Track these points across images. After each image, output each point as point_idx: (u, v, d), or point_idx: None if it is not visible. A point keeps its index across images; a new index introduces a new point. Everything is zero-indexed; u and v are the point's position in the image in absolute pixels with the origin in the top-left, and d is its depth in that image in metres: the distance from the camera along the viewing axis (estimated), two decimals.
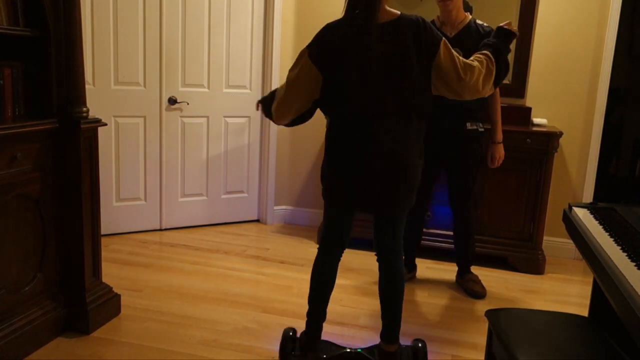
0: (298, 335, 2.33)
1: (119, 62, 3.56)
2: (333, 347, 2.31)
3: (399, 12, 2.03)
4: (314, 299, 2.27)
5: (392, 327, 2.22)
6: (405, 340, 2.34)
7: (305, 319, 2.31)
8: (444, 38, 2.02)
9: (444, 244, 3.55)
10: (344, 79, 2.00)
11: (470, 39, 2.87)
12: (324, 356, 2.24)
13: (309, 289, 2.29)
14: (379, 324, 2.66)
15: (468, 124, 2.94)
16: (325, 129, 2.19)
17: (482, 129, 2.99)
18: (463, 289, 3.16)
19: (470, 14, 3.01)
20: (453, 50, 2.04)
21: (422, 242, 3.40)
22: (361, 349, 2.28)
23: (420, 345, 2.26)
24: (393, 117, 2.00)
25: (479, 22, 2.95)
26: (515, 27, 2.24)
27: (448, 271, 3.39)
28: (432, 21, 2.98)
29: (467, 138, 2.97)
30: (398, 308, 2.21)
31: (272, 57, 3.97)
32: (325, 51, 2.01)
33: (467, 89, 2.06)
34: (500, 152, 3.06)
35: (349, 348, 2.30)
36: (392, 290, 2.21)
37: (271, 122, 4.01)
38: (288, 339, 2.27)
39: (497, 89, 2.97)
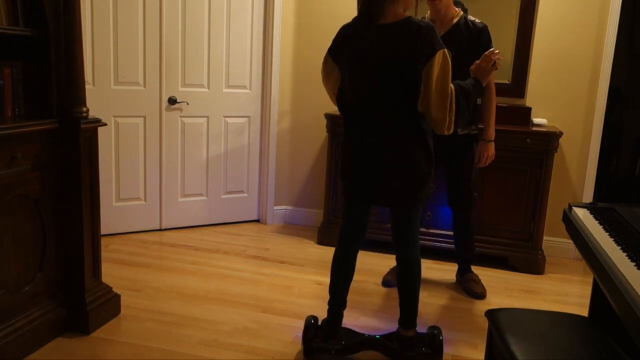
0: (320, 322, 2.41)
1: (119, 62, 3.56)
2: (352, 334, 2.39)
3: (407, 16, 2.08)
4: (333, 287, 2.39)
5: (408, 312, 2.32)
6: (420, 329, 2.42)
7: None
8: (442, 51, 2.00)
9: (443, 244, 3.55)
10: (344, 77, 2.19)
11: (460, 36, 2.81)
12: (343, 342, 2.32)
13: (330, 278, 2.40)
14: (379, 323, 2.67)
15: (459, 130, 2.89)
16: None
17: (476, 130, 2.96)
18: (463, 288, 3.16)
19: (463, 10, 2.95)
20: (449, 71, 2.02)
21: (422, 242, 3.39)
22: (379, 335, 2.35)
23: (436, 331, 2.34)
24: (384, 115, 2.12)
25: (470, 18, 2.88)
26: (498, 58, 2.19)
27: (448, 271, 3.39)
28: (422, 18, 2.91)
29: (461, 143, 2.94)
30: (413, 295, 2.32)
31: (272, 57, 3.98)
32: (335, 48, 2.21)
33: (432, 111, 2.05)
34: (489, 151, 2.96)
35: (368, 334, 2.37)
36: (406, 278, 2.32)
37: (271, 122, 4.06)
38: (310, 326, 2.36)
39: (494, 88, 2.95)
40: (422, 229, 3.29)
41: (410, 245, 2.29)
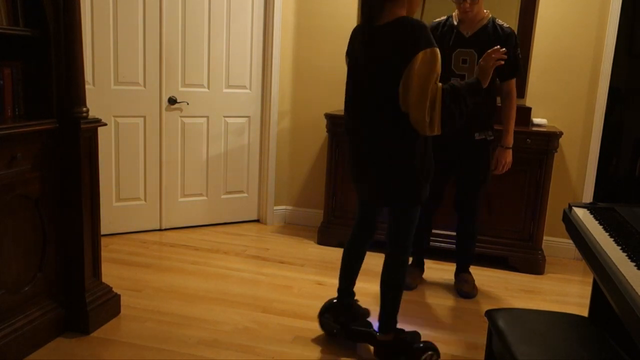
0: None
1: (119, 62, 3.56)
2: (364, 323, 2.46)
3: (403, 15, 2.05)
4: (340, 277, 2.52)
5: (381, 316, 2.32)
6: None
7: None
8: (429, 50, 1.96)
9: (443, 244, 3.55)
10: (347, 79, 2.26)
11: (487, 40, 2.77)
12: (352, 327, 2.41)
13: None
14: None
15: (476, 134, 2.87)
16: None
17: (492, 137, 2.92)
18: (455, 287, 3.15)
19: None
20: (434, 71, 1.98)
21: None
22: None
23: (421, 346, 2.26)
24: (375, 114, 2.13)
25: (498, 21, 2.86)
26: (499, 56, 2.15)
27: (448, 271, 3.39)
28: (449, 16, 2.92)
29: (476, 147, 2.91)
30: (388, 300, 2.30)
31: (272, 57, 3.97)
32: (348, 48, 2.30)
33: (411, 111, 2.02)
34: (507, 157, 2.93)
35: (372, 329, 2.41)
36: (391, 280, 2.31)
37: (271, 122, 4.06)
38: (329, 305, 2.53)
39: (515, 94, 2.90)
40: None
41: (402, 247, 2.27)
